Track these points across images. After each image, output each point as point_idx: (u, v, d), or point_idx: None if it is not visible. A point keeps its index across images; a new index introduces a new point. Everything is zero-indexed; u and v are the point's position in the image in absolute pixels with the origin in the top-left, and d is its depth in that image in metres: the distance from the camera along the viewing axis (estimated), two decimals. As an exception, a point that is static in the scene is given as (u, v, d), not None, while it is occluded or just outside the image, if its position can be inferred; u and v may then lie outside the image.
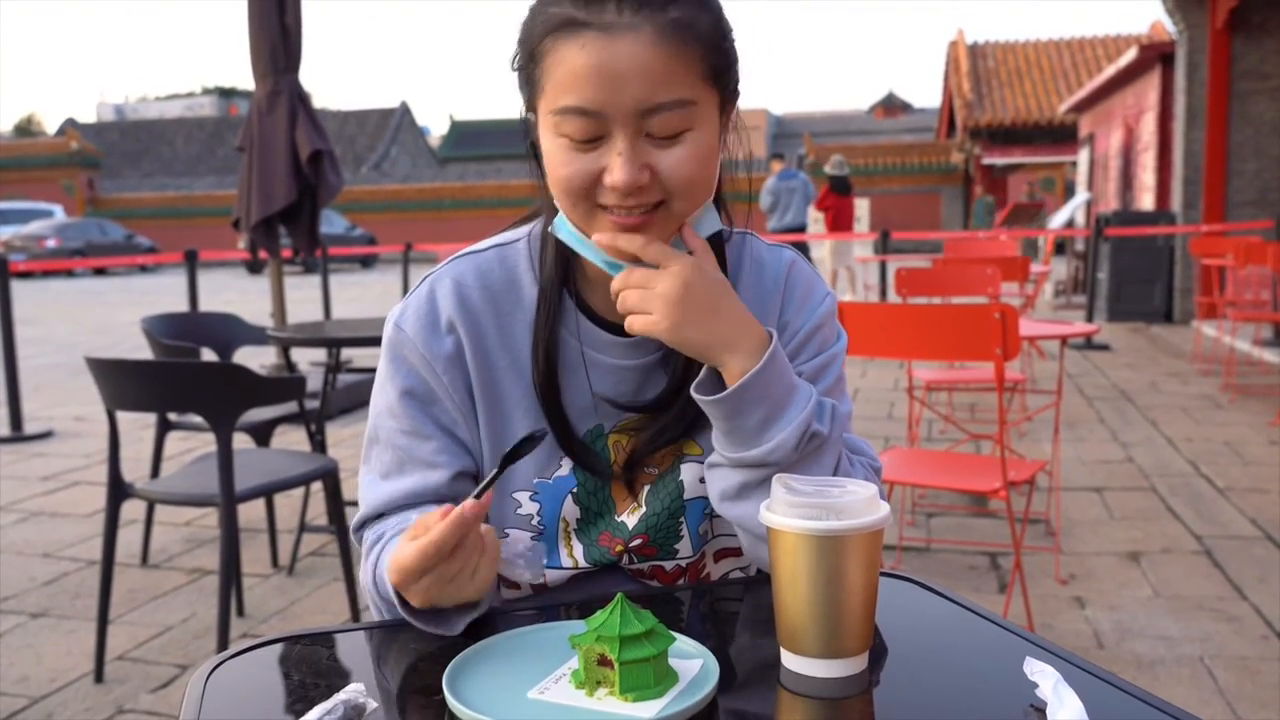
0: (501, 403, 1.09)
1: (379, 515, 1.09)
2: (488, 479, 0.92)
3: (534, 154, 1.05)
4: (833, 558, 0.83)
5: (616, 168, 0.94)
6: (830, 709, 0.83)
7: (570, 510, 1.10)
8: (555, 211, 1.05)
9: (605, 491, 1.10)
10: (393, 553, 0.93)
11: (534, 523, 1.09)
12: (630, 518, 1.11)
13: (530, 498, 1.09)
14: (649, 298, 0.98)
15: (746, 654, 0.93)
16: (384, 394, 1.10)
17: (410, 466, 1.08)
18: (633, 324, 0.99)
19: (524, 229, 1.14)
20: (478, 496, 0.90)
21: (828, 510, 0.83)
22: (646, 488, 1.11)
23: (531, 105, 1.01)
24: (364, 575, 1.06)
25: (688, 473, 1.10)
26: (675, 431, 1.09)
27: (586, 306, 1.10)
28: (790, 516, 0.84)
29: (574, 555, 1.11)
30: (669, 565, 1.13)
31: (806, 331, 1.12)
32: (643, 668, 0.78)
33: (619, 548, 1.11)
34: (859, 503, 0.84)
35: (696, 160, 0.97)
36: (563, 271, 1.08)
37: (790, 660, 0.86)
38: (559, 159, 0.97)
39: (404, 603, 0.94)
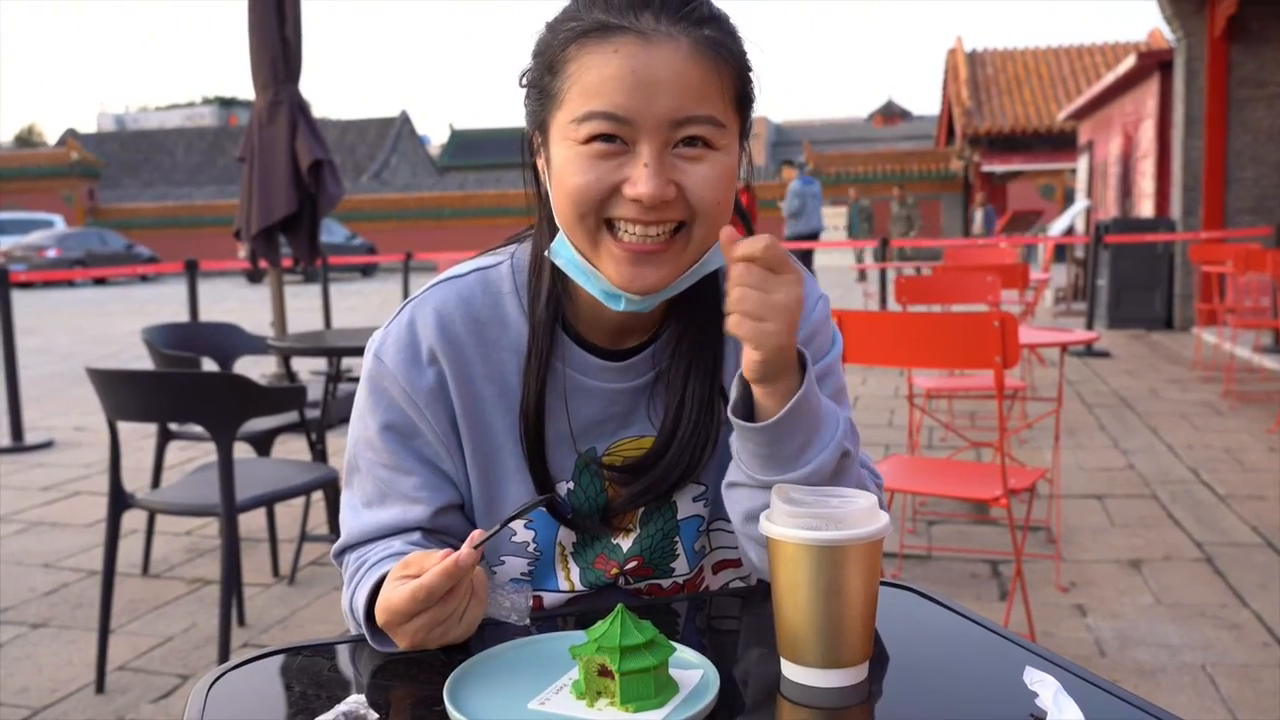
0: (490, 433, 1.06)
1: (359, 543, 1.08)
2: (487, 534, 0.91)
3: (533, 174, 1.03)
4: (832, 568, 0.82)
5: (642, 179, 0.90)
6: (830, 719, 0.83)
7: (566, 535, 1.09)
8: (550, 236, 1.02)
9: (599, 517, 1.09)
10: (382, 591, 0.92)
11: (530, 549, 1.09)
12: (624, 540, 1.10)
13: (525, 525, 1.08)
14: (768, 304, 0.89)
15: (746, 664, 0.93)
16: (364, 425, 1.07)
17: (391, 499, 1.06)
18: (739, 327, 0.90)
19: (505, 252, 1.10)
20: (475, 547, 0.89)
21: (827, 520, 0.83)
22: (640, 510, 1.10)
23: (542, 122, 0.97)
24: (344, 601, 1.05)
25: (680, 494, 1.09)
26: (666, 484, 1.06)
27: (574, 331, 1.06)
28: (790, 527, 0.83)
29: (570, 579, 1.10)
30: (666, 583, 1.12)
31: (805, 336, 1.09)
32: (643, 678, 0.79)
33: (614, 570, 1.10)
34: (859, 512, 0.84)
35: (723, 182, 0.94)
36: (555, 305, 1.04)
37: (790, 670, 0.86)
38: (575, 166, 0.92)
39: (376, 632, 0.94)
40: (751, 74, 0.98)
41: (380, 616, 0.91)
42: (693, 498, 1.10)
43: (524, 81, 0.99)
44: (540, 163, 1.01)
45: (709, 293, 1.05)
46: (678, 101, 0.90)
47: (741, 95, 0.97)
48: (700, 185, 0.92)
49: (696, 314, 1.06)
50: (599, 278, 0.97)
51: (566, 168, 0.93)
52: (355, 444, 1.08)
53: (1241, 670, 2.71)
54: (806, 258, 13.53)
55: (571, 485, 1.08)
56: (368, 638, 0.96)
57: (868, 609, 0.85)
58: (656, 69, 0.89)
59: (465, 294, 1.06)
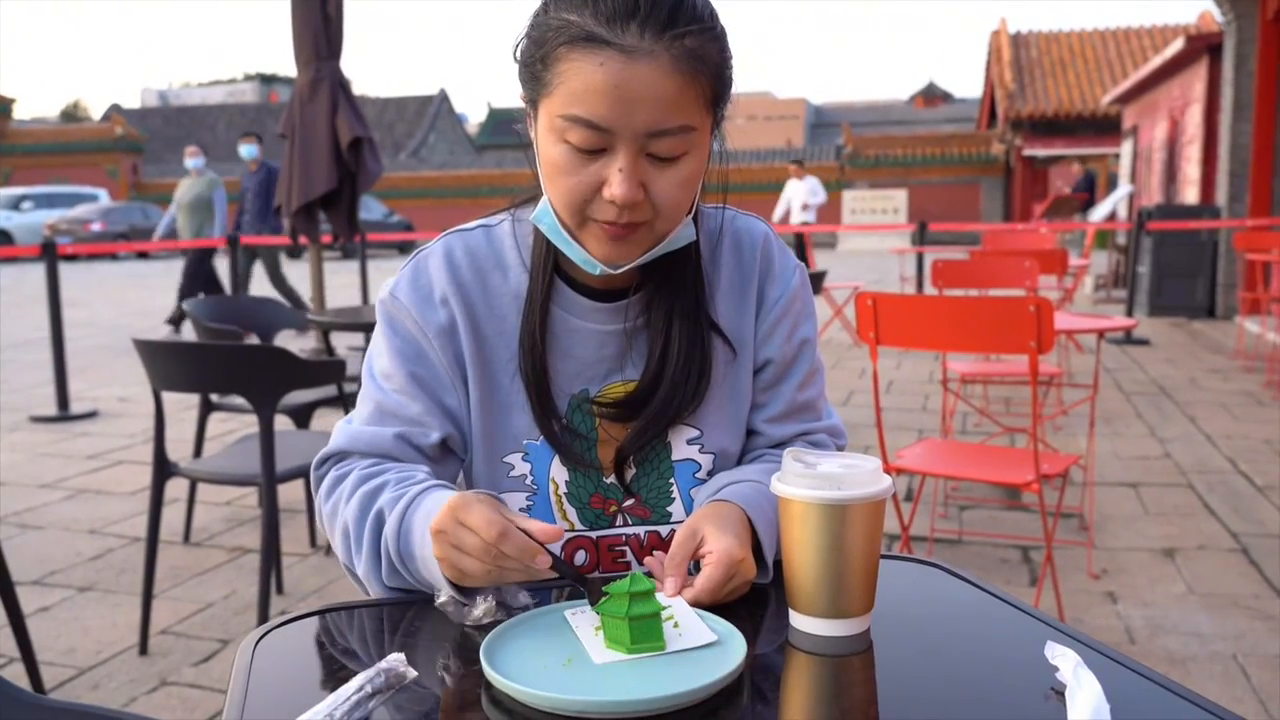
0: (493, 369, 1.14)
1: (352, 452, 1.12)
2: (573, 577, 0.95)
3: (531, 143, 1.09)
4: (836, 525, 0.89)
5: (616, 183, 0.99)
6: (836, 671, 0.88)
7: (559, 471, 1.14)
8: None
9: (593, 453, 1.14)
10: (467, 495, 0.94)
11: (527, 482, 1.14)
12: (624, 473, 1.15)
13: (522, 458, 1.14)
14: (745, 581, 1.00)
15: (757, 616, 0.99)
16: (378, 359, 1.14)
17: (395, 421, 1.12)
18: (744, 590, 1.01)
19: (506, 213, 1.19)
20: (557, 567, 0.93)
21: (833, 481, 0.89)
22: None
23: (532, 100, 1.04)
24: (349, 511, 1.06)
25: (674, 434, 1.15)
26: (661, 425, 1.13)
27: (568, 276, 1.14)
28: (798, 487, 0.90)
29: (568, 519, 1.15)
30: (664, 531, 1.16)
31: (783, 305, 1.18)
32: (652, 623, 0.85)
33: (613, 508, 1.15)
34: (863, 475, 0.91)
35: (686, 185, 1.03)
36: (552, 252, 1.12)
37: (798, 620, 0.92)
38: (563, 165, 1.01)
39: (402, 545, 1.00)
40: (729, 69, 1.04)
41: (456, 504, 0.93)
42: (687, 440, 1.15)
43: (517, 55, 1.05)
44: (530, 129, 1.08)
45: (686, 247, 1.12)
46: (654, 115, 0.97)
47: (717, 94, 1.03)
48: (664, 191, 1.01)
49: (675, 265, 1.13)
50: (578, 249, 1.06)
51: (555, 163, 1.01)
52: (366, 378, 1.15)
53: (1274, 661, 2.69)
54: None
55: (565, 423, 1.14)
56: (393, 542, 1.01)
57: (870, 564, 0.91)
58: (637, 86, 0.96)
59: (471, 244, 1.16)
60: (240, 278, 9.06)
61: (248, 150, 9.55)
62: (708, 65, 1.00)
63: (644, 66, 0.96)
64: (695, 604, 0.94)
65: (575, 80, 0.97)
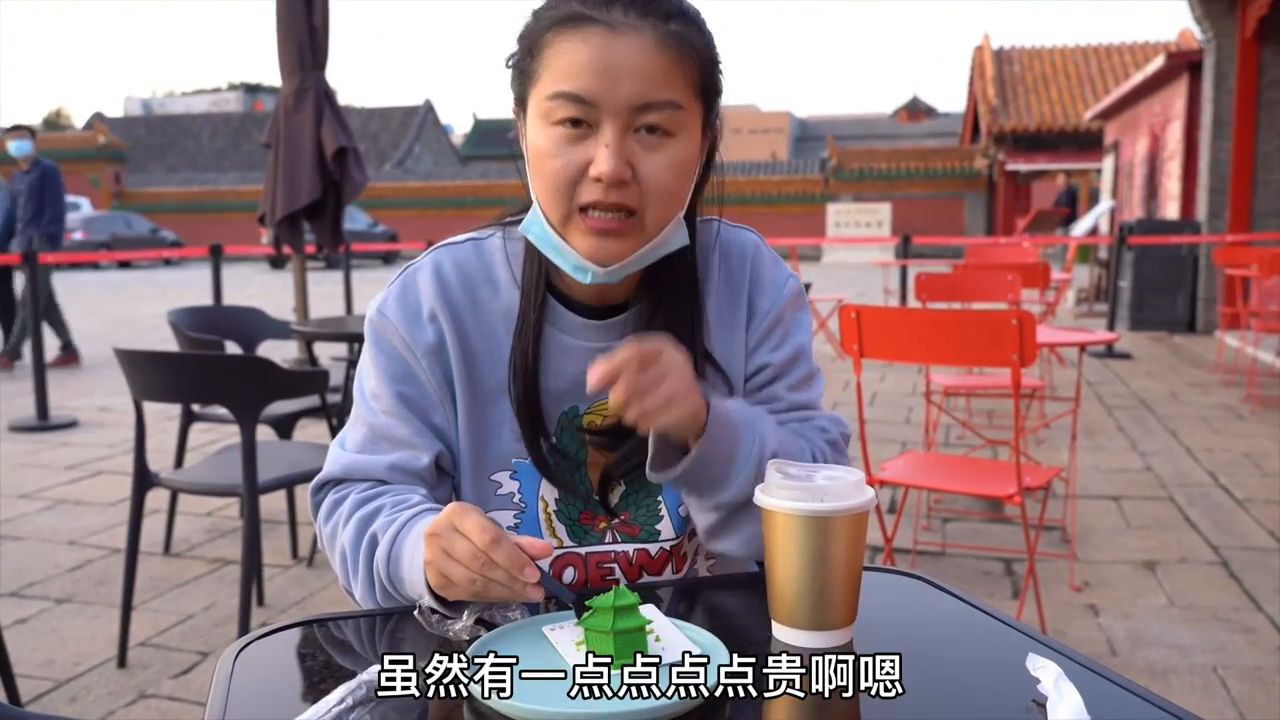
0: (481, 387, 1.12)
1: (346, 479, 1.12)
2: (559, 593, 0.93)
3: (522, 154, 1.08)
4: (819, 537, 0.90)
5: (602, 159, 0.97)
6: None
7: (548, 490, 1.13)
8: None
9: (581, 473, 1.13)
10: (461, 508, 0.93)
11: (515, 500, 1.13)
12: (609, 497, 1.14)
13: (510, 477, 1.13)
14: (664, 396, 0.98)
15: (739, 628, 1.00)
16: (367, 379, 1.13)
17: (386, 445, 1.11)
18: (648, 421, 1.00)
19: (497, 226, 1.17)
20: (545, 591, 0.91)
21: (816, 493, 0.90)
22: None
23: (521, 98, 1.04)
24: (346, 534, 1.06)
25: None
26: (645, 453, 1.11)
27: (558, 291, 1.13)
28: (781, 498, 0.90)
29: (557, 535, 1.14)
30: (654, 549, 1.15)
31: (774, 316, 1.17)
32: (636, 637, 0.84)
33: (602, 524, 1.14)
34: (845, 487, 0.91)
35: (675, 169, 1.01)
36: (543, 267, 1.11)
37: (780, 632, 0.92)
38: (548, 149, 1.00)
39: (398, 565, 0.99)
40: (718, 67, 1.05)
41: (454, 510, 0.92)
42: None
43: (509, 63, 1.06)
44: (522, 140, 1.07)
45: (682, 262, 1.11)
46: (639, 88, 0.97)
47: (706, 85, 1.03)
48: (653, 173, 1.00)
49: (670, 282, 1.12)
50: (568, 252, 1.04)
51: (541, 150, 1.01)
52: (357, 397, 1.14)
53: (1254, 673, 2.71)
54: None
55: (554, 442, 1.12)
56: (383, 567, 1.01)
57: (852, 576, 0.92)
58: (621, 57, 0.97)
59: (460, 258, 1.14)
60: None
61: (18, 147, 8.10)
62: (695, 51, 1.00)
63: (628, 39, 0.97)
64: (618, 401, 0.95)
65: (560, 59, 0.98)
